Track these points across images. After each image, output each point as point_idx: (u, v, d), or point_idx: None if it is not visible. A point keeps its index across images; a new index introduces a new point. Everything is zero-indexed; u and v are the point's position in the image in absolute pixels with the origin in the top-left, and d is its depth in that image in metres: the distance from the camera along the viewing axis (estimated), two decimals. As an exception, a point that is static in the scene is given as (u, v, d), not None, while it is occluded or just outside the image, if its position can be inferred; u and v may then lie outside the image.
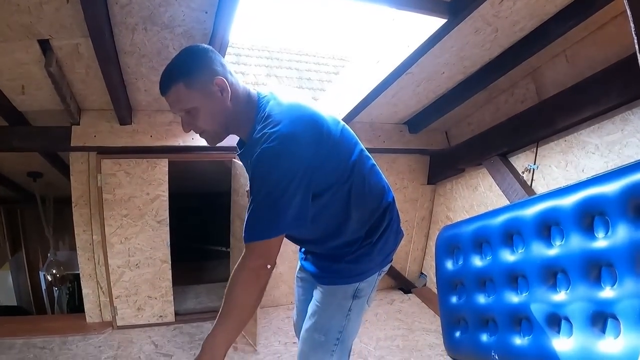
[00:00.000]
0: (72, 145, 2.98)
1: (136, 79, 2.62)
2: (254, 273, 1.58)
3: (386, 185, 1.94)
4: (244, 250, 1.61)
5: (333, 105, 3.61)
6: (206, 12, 2.05)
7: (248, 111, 1.64)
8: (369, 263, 1.88)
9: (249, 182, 1.71)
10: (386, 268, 2.01)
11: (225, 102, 1.58)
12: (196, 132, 1.68)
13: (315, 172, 1.56)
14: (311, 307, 1.97)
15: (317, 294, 1.96)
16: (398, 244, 2.03)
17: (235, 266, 1.61)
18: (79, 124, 2.98)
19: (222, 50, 2.33)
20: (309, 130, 1.57)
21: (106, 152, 3.15)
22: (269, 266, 1.58)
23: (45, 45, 2.19)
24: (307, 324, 1.98)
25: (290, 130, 1.52)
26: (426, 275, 4.63)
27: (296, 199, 1.53)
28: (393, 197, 1.96)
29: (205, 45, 1.64)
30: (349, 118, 3.47)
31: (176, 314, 3.77)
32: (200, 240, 6.49)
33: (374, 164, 1.90)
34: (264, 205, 1.54)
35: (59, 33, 2.10)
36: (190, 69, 1.55)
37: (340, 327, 1.91)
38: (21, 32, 2.05)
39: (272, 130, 1.51)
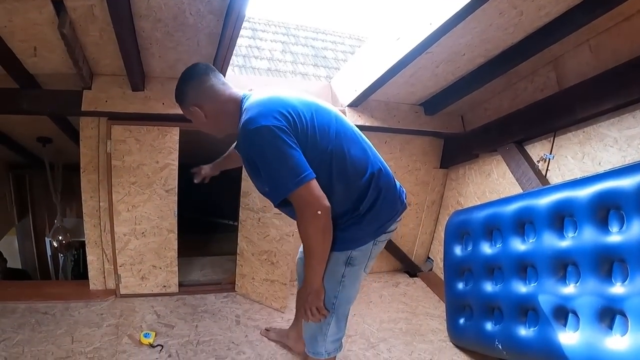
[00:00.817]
0: (82, 109, 2.94)
1: (150, 44, 2.58)
2: (311, 223, 1.88)
3: (371, 157, 2.11)
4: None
5: (349, 81, 3.57)
6: (226, -23, 2.01)
7: (235, 113, 2.03)
8: (359, 232, 2.06)
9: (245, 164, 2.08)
10: (383, 238, 2.18)
11: (204, 118, 2.06)
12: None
13: (290, 133, 1.84)
14: None
15: None
16: (396, 215, 2.18)
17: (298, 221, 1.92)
18: (90, 89, 2.94)
19: (239, 22, 2.29)
20: (274, 105, 1.91)
21: (117, 117, 3.11)
22: (319, 212, 1.84)
23: (59, 6, 2.14)
24: None
25: (254, 114, 1.86)
26: (433, 260, 4.62)
27: (291, 153, 1.81)
28: (380, 168, 2.10)
29: (194, 70, 2.06)
30: (364, 96, 3.43)
31: (180, 284, 3.76)
32: (207, 213, 6.50)
33: (358, 139, 2.13)
34: (276, 167, 1.83)
35: (74, -7, 2.06)
36: (178, 99, 2.09)
37: (335, 292, 2.14)
38: (35, -10, 2.02)
39: (244, 118, 1.88)
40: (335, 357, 2.41)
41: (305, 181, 1.80)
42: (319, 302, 2.10)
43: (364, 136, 2.20)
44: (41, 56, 2.62)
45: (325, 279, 2.09)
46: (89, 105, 2.93)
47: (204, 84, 2.03)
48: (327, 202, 1.86)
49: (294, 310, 3.18)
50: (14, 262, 6.18)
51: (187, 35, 2.50)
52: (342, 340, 2.39)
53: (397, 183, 2.22)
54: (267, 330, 3.25)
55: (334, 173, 1.96)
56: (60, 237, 5.53)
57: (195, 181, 2.93)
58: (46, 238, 6.13)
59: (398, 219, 2.22)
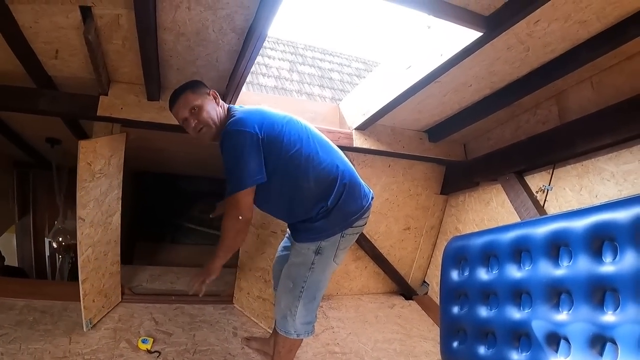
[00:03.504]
0: (98, 114, 2.98)
1: (171, 57, 2.65)
2: (231, 222, 2.31)
3: (338, 161, 2.44)
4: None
5: (358, 105, 3.63)
6: (251, -3, 2.08)
7: (225, 120, 2.41)
8: (328, 225, 2.37)
9: None
10: (350, 231, 2.46)
11: (216, 105, 2.43)
12: (197, 129, 2.41)
13: (260, 144, 2.23)
14: (288, 260, 2.59)
15: (291, 249, 2.58)
16: (362, 211, 2.46)
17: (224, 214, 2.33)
18: (107, 95, 2.99)
19: (260, 42, 2.36)
20: (253, 115, 2.33)
21: (131, 125, 3.16)
22: (240, 217, 2.27)
23: (86, 12, 2.20)
24: (283, 272, 2.60)
25: (237, 118, 2.30)
26: (428, 284, 4.65)
27: (252, 160, 2.21)
28: (346, 170, 2.43)
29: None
30: (372, 120, 3.49)
31: (177, 293, 3.81)
32: (210, 225, 6.55)
33: (326, 145, 2.49)
34: (234, 166, 2.21)
35: (102, 1, 2.12)
36: (193, 85, 2.43)
37: (305, 277, 2.47)
38: (65, -5, 2.07)
39: (230, 120, 2.32)
40: (302, 340, 2.73)
41: (245, 187, 2.22)
42: (207, 277, 2.55)
43: (332, 143, 2.56)
44: (62, 59, 2.67)
45: (297, 265, 2.49)
46: (105, 111, 2.97)
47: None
48: (251, 213, 2.32)
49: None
50: (11, 260, 6.16)
51: (207, 50, 2.57)
52: (314, 326, 2.68)
53: (365, 186, 2.55)
54: (247, 339, 3.32)
55: (303, 172, 2.31)
56: (60, 239, 5.56)
57: (212, 216, 3.11)
58: (46, 238, 6.13)
59: (364, 216, 2.50)
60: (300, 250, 2.47)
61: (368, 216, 2.55)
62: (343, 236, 2.43)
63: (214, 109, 2.41)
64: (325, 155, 2.40)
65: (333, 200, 2.34)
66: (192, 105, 2.38)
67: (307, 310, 2.56)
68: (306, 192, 2.34)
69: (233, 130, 2.24)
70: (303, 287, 2.48)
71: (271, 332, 3.30)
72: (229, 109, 2.48)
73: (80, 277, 2.98)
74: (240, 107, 2.50)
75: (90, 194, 2.94)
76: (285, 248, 2.89)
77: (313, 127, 2.55)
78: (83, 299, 3.02)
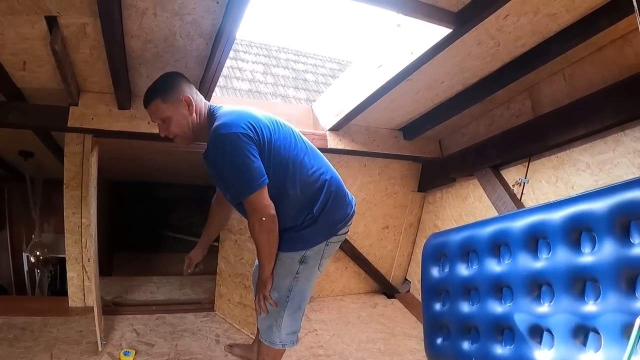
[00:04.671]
0: (68, 125, 2.94)
1: (139, 64, 2.61)
2: (257, 226, 2.17)
3: (324, 167, 2.39)
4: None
5: (331, 106, 3.63)
6: (217, 2, 2.06)
7: (205, 121, 2.29)
8: (313, 233, 2.31)
9: (211, 171, 2.27)
10: (334, 239, 2.42)
11: (191, 113, 2.24)
12: (169, 137, 2.31)
13: (254, 144, 2.10)
14: None
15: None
16: (347, 219, 2.43)
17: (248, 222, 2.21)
18: (77, 105, 2.95)
19: (228, 46, 2.34)
20: (241, 116, 2.17)
21: (102, 135, 3.11)
22: (263, 218, 2.14)
23: (52, 22, 2.17)
24: None
25: (226, 121, 2.13)
26: (410, 282, 4.67)
27: (253, 159, 2.07)
28: (332, 177, 2.39)
29: (178, 72, 2.35)
30: (346, 120, 3.49)
31: (158, 303, 3.79)
32: (189, 232, 6.51)
33: (313, 151, 2.42)
34: (236, 171, 2.08)
35: (67, 11, 2.08)
36: (165, 89, 2.22)
37: (290, 287, 2.38)
38: (29, 6, 2.03)
39: (217, 123, 2.13)
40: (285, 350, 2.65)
41: (256, 189, 2.08)
42: (265, 291, 2.37)
43: (317, 150, 2.48)
44: (30, 70, 2.63)
45: (282, 275, 2.37)
46: (75, 122, 2.93)
47: (190, 85, 2.31)
48: (272, 211, 2.15)
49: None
50: (-11, 276, 6.08)
51: (175, 56, 2.54)
52: (298, 335, 2.60)
53: (349, 193, 2.50)
54: (230, 346, 3.29)
55: (291, 179, 2.23)
56: (37, 253, 5.48)
57: (190, 271, 2.93)
58: (23, 253, 6.05)
59: (349, 224, 2.46)
60: (285, 260, 2.36)
61: (351, 223, 2.50)
62: (327, 244, 2.39)
63: (185, 119, 2.24)
64: (313, 161, 2.35)
65: (319, 208, 2.29)
66: (161, 116, 2.25)
67: (292, 320, 2.49)
68: (292, 199, 2.26)
69: (225, 134, 2.08)
70: (288, 297, 2.40)
71: (254, 337, 3.27)
72: (210, 110, 2.32)
73: (94, 296, 2.94)
74: (221, 107, 2.32)
75: (92, 209, 2.95)
76: None
77: (298, 130, 2.45)
78: (97, 316, 3.00)
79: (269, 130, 2.20)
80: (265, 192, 2.12)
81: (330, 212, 2.33)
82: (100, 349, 3.01)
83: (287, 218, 2.28)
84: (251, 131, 2.10)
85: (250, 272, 3.25)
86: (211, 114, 2.30)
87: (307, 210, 2.29)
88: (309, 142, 2.45)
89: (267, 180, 2.11)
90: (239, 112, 2.23)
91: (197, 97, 2.31)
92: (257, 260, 2.69)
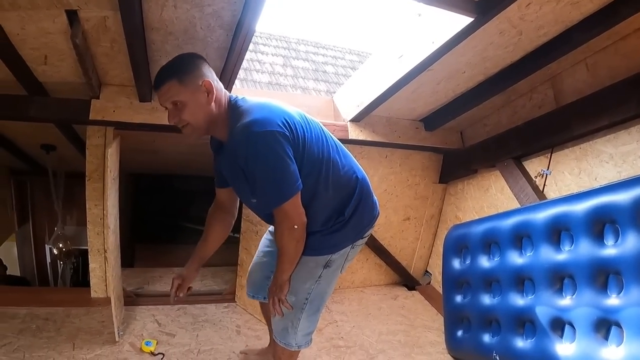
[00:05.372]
0: (90, 118, 2.97)
1: (160, 57, 2.62)
2: (287, 233, 2.03)
3: (354, 166, 2.23)
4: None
5: (352, 97, 3.61)
6: (237, -7, 2.05)
7: (225, 114, 2.00)
8: (341, 237, 2.19)
9: (231, 171, 2.11)
10: (359, 242, 2.29)
11: (210, 102, 1.93)
12: (179, 125, 1.99)
13: (290, 144, 1.89)
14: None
15: None
16: (374, 220, 2.32)
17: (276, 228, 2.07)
18: (98, 98, 2.97)
19: (247, 39, 2.33)
20: (272, 111, 1.93)
21: (124, 127, 3.14)
22: (295, 226, 1.99)
23: (72, 16, 2.17)
24: None
25: (260, 116, 1.88)
26: (431, 274, 4.65)
27: (289, 162, 1.87)
28: (362, 177, 2.23)
29: (198, 54, 2.03)
30: (367, 111, 3.47)
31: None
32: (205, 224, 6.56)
33: (343, 149, 2.24)
34: (273, 176, 1.87)
35: (88, 4, 2.09)
36: (185, 68, 1.91)
37: (309, 290, 2.25)
38: (50, 1, 2.04)
39: (249, 119, 1.87)
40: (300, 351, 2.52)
41: (291, 196, 1.91)
42: (281, 295, 2.22)
43: (343, 145, 2.29)
44: (51, 64, 2.64)
45: (302, 279, 2.23)
46: (97, 115, 2.96)
47: (210, 69, 2.01)
48: (304, 218, 2.01)
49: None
50: (13, 268, 6.17)
51: (196, 48, 2.52)
52: (313, 336, 2.48)
53: (373, 193, 2.34)
54: (244, 353, 3.14)
55: (322, 180, 2.05)
56: (60, 245, 5.56)
57: (181, 295, 2.46)
58: (46, 245, 6.14)
59: (374, 225, 2.35)
60: (307, 263, 2.20)
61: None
62: (353, 247, 2.27)
63: (202, 108, 1.94)
64: (344, 161, 2.18)
65: (350, 211, 2.15)
66: (175, 99, 1.92)
67: (309, 322, 2.38)
68: (324, 201, 2.09)
69: (259, 133, 1.83)
70: (307, 300, 2.27)
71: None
72: (231, 102, 2.03)
73: (110, 287, 2.94)
74: (243, 98, 2.05)
75: (110, 200, 2.92)
76: (268, 254, 2.60)
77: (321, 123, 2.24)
78: (114, 307, 2.99)
79: (302, 127, 1.99)
80: (298, 198, 1.95)
81: (361, 214, 2.20)
82: (117, 339, 3.05)
83: (316, 222, 2.12)
84: (287, 129, 1.88)
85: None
86: (233, 106, 2.01)
87: (338, 213, 2.14)
88: (334, 137, 2.25)
89: (302, 186, 1.93)
90: (270, 106, 1.98)
91: (218, 86, 2.01)
92: (257, 257, 2.69)
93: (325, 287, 2.32)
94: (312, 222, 2.09)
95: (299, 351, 2.51)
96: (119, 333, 3.07)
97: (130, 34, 2.24)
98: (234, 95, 2.07)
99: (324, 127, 2.19)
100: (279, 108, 1.99)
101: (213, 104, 1.95)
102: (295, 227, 2.00)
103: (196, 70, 1.92)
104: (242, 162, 1.91)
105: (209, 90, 1.93)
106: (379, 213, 2.35)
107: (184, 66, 1.93)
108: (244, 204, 2.42)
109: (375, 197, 2.34)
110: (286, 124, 1.89)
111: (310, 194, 2.03)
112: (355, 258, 3.78)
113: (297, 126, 1.95)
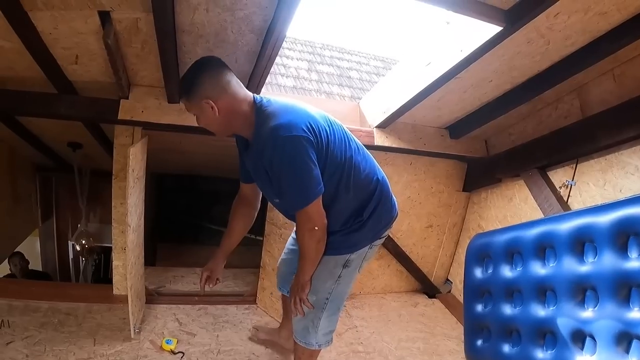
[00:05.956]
0: (119, 118, 3.01)
1: (190, 59, 2.62)
2: (308, 235, 2.11)
3: (375, 168, 2.31)
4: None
5: (378, 103, 3.63)
6: (269, -2, 2.08)
7: (248, 114, 2.07)
8: (359, 237, 2.27)
9: (256, 170, 2.21)
10: (377, 242, 2.38)
11: (215, 115, 2.01)
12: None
13: (314, 149, 1.97)
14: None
15: None
16: (392, 221, 2.40)
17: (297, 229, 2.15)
18: (127, 98, 3.01)
19: (279, 42, 2.35)
20: (297, 115, 2.02)
21: (152, 128, 3.18)
22: (316, 228, 2.07)
23: (104, 17, 2.21)
24: None
25: (285, 121, 1.97)
26: (452, 282, 4.63)
27: (313, 167, 1.96)
28: (382, 178, 2.32)
29: (211, 61, 2.06)
30: (393, 117, 3.48)
31: (196, 294, 3.84)
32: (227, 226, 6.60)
33: (364, 150, 2.32)
34: (296, 180, 1.97)
35: (121, 6, 2.13)
36: (189, 87, 2.01)
37: (330, 290, 2.34)
38: (83, 1, 2.08)
39: (275, 123, 1.96)
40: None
41: (314, 199, 2.00)
42: (302, 295, 2.31)
43: (364, 147, 2.35)
44: (82, 64, 2.69)
45: (323, 279, 2.32)
46: (126, 114, 3.00)
47: (222, 77, 2.03)
48: (324, 220, 2.10)
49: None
50: (35, 263, 6.25)
51: (226, 51, 2.56)
52: (333, 335, 2.57)
53: (392, 194, 2.40)
54: (256, 329, 3.33)
55: (344, 182, 2.13)
56: (83, 241, 5.63)
57: (210, 287, 2.65)
58: (69, 241, 6.21)
59: (392, 226, 2.42)
60: (327, 263, 2.29)
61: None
62: (371, 247, 2.36)
63: (213, 120, 2.05)
64: (365, 163, 2.25)
65: (369, 212, 2.23)
66: (191, 112, 2.09)
67: (330, 322, 2.47)
68: (344, 203, 2.17)
69: (286, 137, 1.92)
70: (327, 300, 2.36)
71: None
72: (256, 104, 2.09)
73: (128, 284, 2.95)
74: (269, 100, 2.11)
75: (132, 199, 2.94)
76: (292, 251, 2.72)
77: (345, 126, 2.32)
78: (130, 304, 3.01)
79: (326, 131, 2.07)
80: (320, 201, 2.03)
81: (379, 215, 2.27)
82: (133, 335, 3.07)
83: (337, 222, 2.21)
84: (311, 134, 1.97)
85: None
86: (259, 108, 2.07)
87: (357, 214, 2.22)
88: (356, 139, 2.32)
89: (324, 189, 2.01)
90: (296, 110, 2.07)
91: (236, 91, 2.06)
92: (284, 254, 2.85)
93: (344, 287, 2.40)
94: (332, 222, 2.17)
95: (319, 351, 2.59)
96: (134, 330, 3.10)
97: (161, 36, 2.28)
98: (259, 97, 2.12)
99: (346, 129, 2.27)
100: (304, 111, 2.08)
101: (218, 114, 2.02)
102: (316, 228, 2.08)
103: (199, 89, 1.99)
104: (268, 164, 2.00)
105: (211, 106, 1.99)
106: (397, 214, 2.42)
107: (188, 85, 2.02)
108: (268, 203, 2.45)
109: (394, 198, 2.41)
110: (310, 129, 1.97)
111: (332, 195, 2.12)
112: (376, 264, 3.80)
113: (321, 130, 2.03)
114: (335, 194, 2.13)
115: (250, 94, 2.12)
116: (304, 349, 2.53)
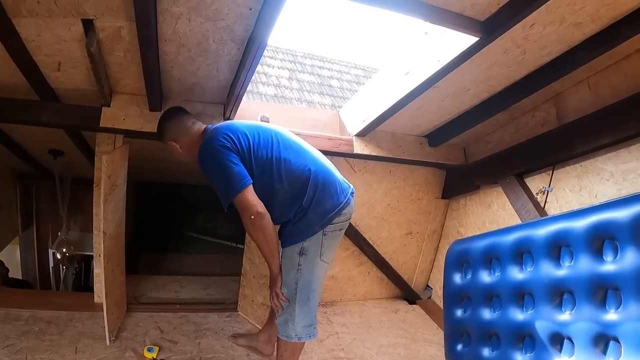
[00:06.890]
0: (101, 126, 3.01)
1: (172, 67, 2.67)
2: (250, 225, 2.40)
3: (308, 161, 2.55)
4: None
5: (358, 112, 3.66)
6: (250, 9, 2.09)
7: (199, 142, 2.55)
8: (306, 224, 2.49)
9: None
10: (331, 228, 2.54)
11: (179, 150, 2.64)
12: None
13: (234, 152, 2.39)
14: None
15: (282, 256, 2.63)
16: (340, 206, 2.54)
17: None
18: (109, 106, 3.01)
19: (259, 52, 2.37)
20: (220, 130, 2.51)
21: (133, 136, 3.18)
22: (252, 217, 2.35)
23: (87, 25, 2.23)
24: None
25: (207, 137, 2.52)
26: (432, 288, 4.67)
27: (233, 165, 2.35)
28: (318, 169, 2.54)
29: (172, 111, 2.69)
30: (372, 126, 3.51)
31: (182, 302, 3.84)
32: (211, 234, 6.60)
33: (296, 147, 2.61)
34: (220, 178, 2.39)
35: (104, 14, 2.14)
36: (160, 136, 2.69)
37: (295, 279, 2.56)
38: (67, 9, 2.09)
39: (200, 145, 2.52)
40: (304, 342, 2.76)
41: (240, 190, 2.34)
42: (276, 288, 2.60)
43: (305, 145, 2.67)
44: (64, 71, 2.70)
45: (286, 270, 2.59)
46: (107, 122, 3.00)
47: (180, 123, 2.62)
48: (260, 208, 2.37)
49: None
50: (15, 271, 6.17)
51: (208, 60, 2.59)
52: (315, 328, 2.73)
53: (343, 182, 2.64)
54: (234, 336, 3.42)
55: (276, 175, 2.45)
56: (64, 249, 5.58)
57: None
58: (50, 249, 6.15)
59: (344, 212, 2.56)
60: (287, 254, 2.58)
61: (349, 212, 2.63)
62: (325, 234, 2.53)
63: (176, 153, 2.67)
64: (296, 157, 2.52)
65: (307, 200, 2.46)
66: (166, 149, 2.71)
67: (304, 313, 2.62)
68: (281, 194, 2.47)
69: (206, 149, 2.45)
70: (295, 290, 2.57)
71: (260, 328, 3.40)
72: (204, 131, 2.63)
73: (104, 291, 2.97)
74: (213, 126, 2.63)
75: (110, 206, 2.95)
76: None
77: (285, 131, 2.71)
78: (106, 312, 3.03)
79: (247, 137, 2.48)
80: (250, 191, 2.36)
81: (321, 202, 2.48)
82: (108, 343, 3.08)
83: (282, 214, 2.52)
84: (228, 142, 2.41)
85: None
86: (203, 135, 2.60)
87: (298, 203, 2.47)
88: (294, 139, 2.66)
89: (251, 181, 2.36)
90: (219, 126, 2.57)
91: (188, 134, 2.62)
92: None
93: (308, 276, 2.58)
94: (278, 215, 2.52)
95: (302, 344, 2.78)
96: (110, 337, 3.10)
97: (144, 45, 2.30)
98: (209, 126, 2.65)
99: (280, 133, 2.64)
100: (226, 125, 2.57)
101: (184, 148, 2.63)
102: (252, 217, 2.36)
103: (165, 136, 2.65)
104: (204, 172, 2.49)
105: (173, 145, 2.64)
106: (348, 200, 2.59)
107: (158, 132, 2.69)
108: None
109: (345, 186, 2.63)
110: (228, 138, 2.42)
111: (269, 188, 2.46)
112: (357, 271, 3.83)
113: (240, 137, 2.46)
114: (272, 186, 2.46)
115: (203, 126, 2.66)
116: (286, 343, 2.70)
